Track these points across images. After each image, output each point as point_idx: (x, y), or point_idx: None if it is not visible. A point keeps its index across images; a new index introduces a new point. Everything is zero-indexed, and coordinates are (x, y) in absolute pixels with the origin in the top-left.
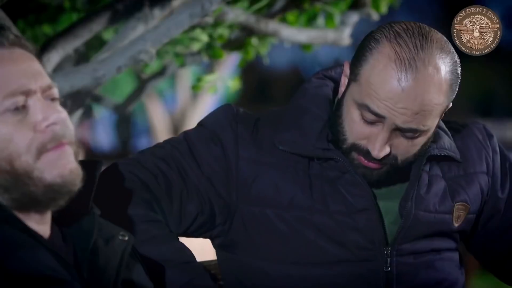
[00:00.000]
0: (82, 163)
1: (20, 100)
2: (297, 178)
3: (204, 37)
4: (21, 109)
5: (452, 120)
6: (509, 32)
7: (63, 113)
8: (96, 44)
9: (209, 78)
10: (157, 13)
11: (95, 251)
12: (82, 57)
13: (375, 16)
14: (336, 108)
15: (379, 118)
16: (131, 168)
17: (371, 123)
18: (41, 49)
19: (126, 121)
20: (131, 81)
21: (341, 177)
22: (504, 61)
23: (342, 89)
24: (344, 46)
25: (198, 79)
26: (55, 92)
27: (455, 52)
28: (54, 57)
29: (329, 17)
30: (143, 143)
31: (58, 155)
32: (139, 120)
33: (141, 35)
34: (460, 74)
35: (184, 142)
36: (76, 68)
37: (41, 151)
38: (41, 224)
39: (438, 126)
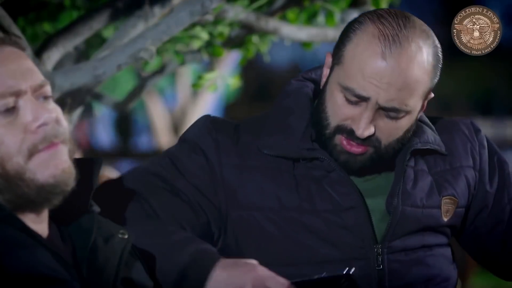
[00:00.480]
0: (81, 161)
1: (10, 101)
2: (283, 180)
3: (204, 35)
4: (11, 111)
5: (438, 116)
6: (509, 30)
7: (55, 112)
8: (96, 42)
9: (209, 76)
10: (157, 11)
11: (94, 249)
12: (82, 55)
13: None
14: (319, 96)
15: (362, 99)
16: (123, 192)
17: (355, 103)
18: (41, 47)
19: (126, 119)
20: (131, 79)
21: (327, 176)
22: (504, 59)
23: (323, 80)
24: None
25: (199, 77)
26: (48, 90)
27: (436, 38)
28: (54, 54)
29: (329, 15)
30: (143, 141)
31: (50, 155)
32: (139, 118)
33: (141, 33)
34: (441, 58)
35: (166, 159)
36: (76, 66)
37: (32, 151)
38: (38, 224)
39: (421, 121)
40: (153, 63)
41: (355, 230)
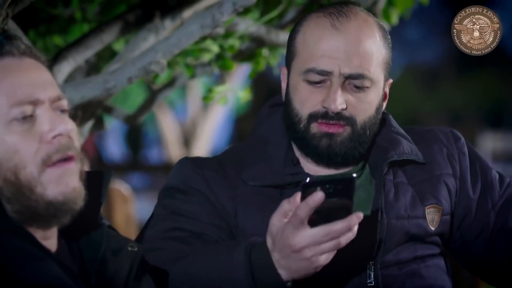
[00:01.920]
0: (90, 174)
1: (27, 109)
2: (273, 207)
3: (214, 48)
4: (29, 119)
5: (417, 126)
6: None
7: (70, 125)
8: (107, 55)
9: (219, 89)
10: (168, 24)
11: (103, 262)
12: (93, 68)
13: (386, 27)
14: (284, 108)
15: (326, 76)
16: (154, 258)
17: (320, 84)
18: (52, 60)
19: (137, 132)
20: (142, 91)
21: None
22: None
23: (283, 93)
24: None
25: (209, 90)
26: (64, 103)
27: None
28: (65, 68)
29: None
30: (153, 153)
31: (63, 172)
32: (150, 131)
33: (152, 46)
34: (388, 35)
35: (169, 213)
36: (87, 79)
37: (46, 162)
38: (46, 240)
39: (396, 133)
40: (164, 76)
41: (346, 247)
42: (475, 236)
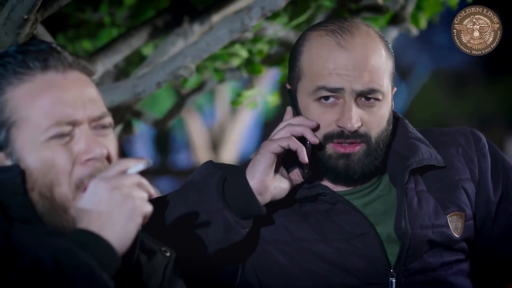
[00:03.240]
0: None
1: (65, 129)
2: (292, 218)
3: (243, 53)
4: (66, 137)
5: (436, 128)
6: None
7: (107, 148)
8: (136, 59)
9: (248, 94)
10: (197, 29)
11: (138, 266)
12: (122, 72)
13: (414, 32)
14: None
15: (338, 93)
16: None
17: (332, 103)
18: None
19: (165, 136)
20: (170, 96)
21: (333, 208)
22: None
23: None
24: None
25: (238, 95)
26: (106, 121)
27: None
28: None
29: None
30: (182, 158)
31: None
32: (178, 136)
33: (181, 51)
34: (388, 43)
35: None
36: (116, 84)
37: (79, 186)
38: None
39: (414, 138)
40: (193, 81)
41: (367, 256)
42: (497, 237)
